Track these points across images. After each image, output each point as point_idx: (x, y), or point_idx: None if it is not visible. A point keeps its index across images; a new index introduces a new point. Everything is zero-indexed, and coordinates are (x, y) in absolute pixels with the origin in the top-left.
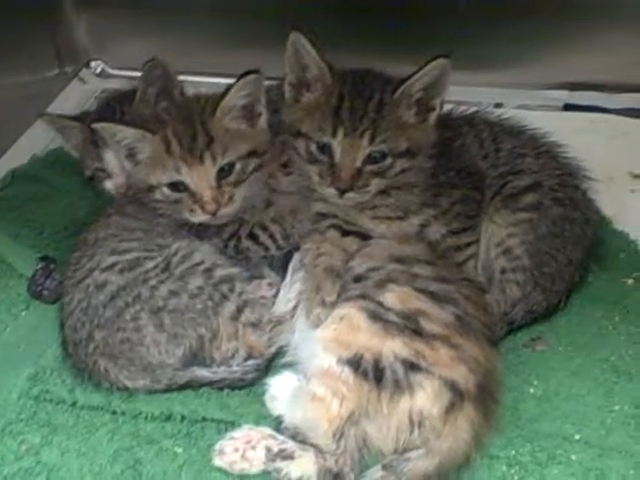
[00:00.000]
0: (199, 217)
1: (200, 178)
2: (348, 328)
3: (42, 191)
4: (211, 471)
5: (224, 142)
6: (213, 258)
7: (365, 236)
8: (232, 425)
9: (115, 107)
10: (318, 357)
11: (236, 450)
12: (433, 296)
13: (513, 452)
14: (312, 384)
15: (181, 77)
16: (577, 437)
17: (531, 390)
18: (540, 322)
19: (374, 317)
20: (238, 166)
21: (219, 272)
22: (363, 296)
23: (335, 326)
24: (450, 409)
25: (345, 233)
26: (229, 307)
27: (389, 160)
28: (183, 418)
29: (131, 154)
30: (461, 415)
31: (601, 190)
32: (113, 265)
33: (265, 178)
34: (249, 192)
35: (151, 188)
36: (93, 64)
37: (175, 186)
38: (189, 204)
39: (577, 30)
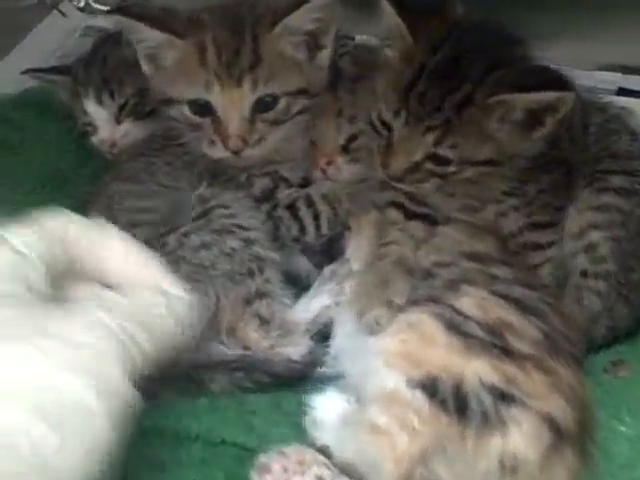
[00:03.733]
0: (218, 152)
1: (232, 103)
2: (419, 340)
3: (15, 137)
4: None
5: (273, 68)
6: (258, 233)
7: (434, 221)
8: (254, 453)
9: (99, 52)
10: (378, 375)
11: (285, 470)
12: (517, 304)
13: None
14: (371, 411)
15: None
16: None
17: (622, 428)
18: (622, 342)
19: (451, 328)
20: (282, 102)
21: (257, 248)
22: (434, 299)
23: (403, 336)
24: (548, 453)
25: (409, 215)
26: (249, 286)
27: (455, 167)
28: (197, 438)
29: (151, 58)
30: (559, 461)
31: None
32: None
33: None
34: (286, 137)
35: (169, 102)
36: None
37: (198, 106)
38: (210, 133)
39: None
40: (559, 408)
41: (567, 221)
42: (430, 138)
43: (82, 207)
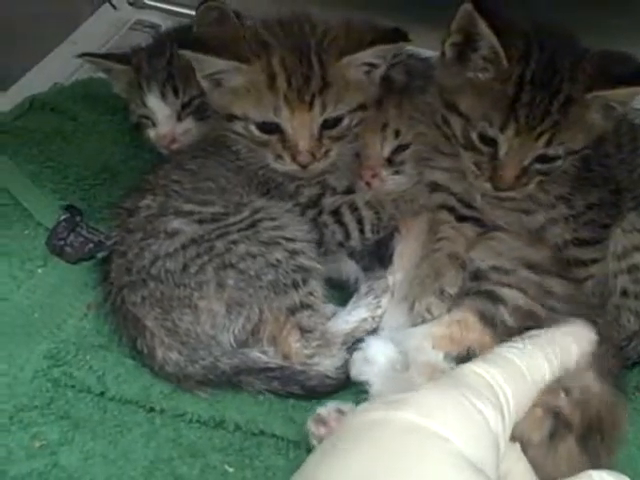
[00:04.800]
0: (285, 166)
1: (302, 125)
2: (461, 329)
3: (68, 127)
4: None
5: (339, 91)
6: (304, 244)
7: (483, 224)
8: (295, 446)
9: (166, 46)
10: (422, 352)
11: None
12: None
13: None
14: (412, 370)
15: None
16: None
17: None
18: None
19: (489, 321)
20: (346, 120)
21: (303, 259)
22: (481, 296)
23: (448, 325)
24: (552, 437)
25: (461, 218)
26: (293, 297)
27: (560, 162)
28: (237, 428)
29: (213, 78)
30: (563, 446)
31: None
32: (191, 213)
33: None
34: (344, 149)
35: (231, 117)
36: None
37: (267, 126)
38: (278, 149)
39: None
40: (566, 403)
41: (612, 241)
42: (541, 142)
43: (135, 192)
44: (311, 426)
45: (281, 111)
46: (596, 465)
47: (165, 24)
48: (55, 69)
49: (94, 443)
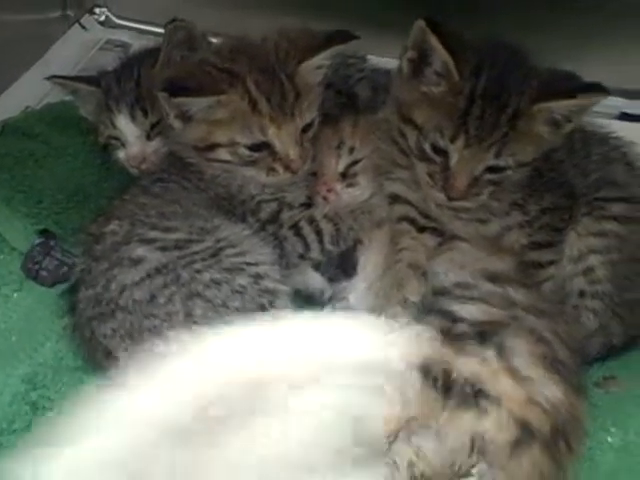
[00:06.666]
0: (279, 176)
1: (288, 137)
2: (422, 342)
3: (40, 151)
4: None
5: (308, 97)
6: (267, 267)
7: (441, 234)
8: None
9: (134, 68)
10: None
11: None
12: (531, 333)
13: None
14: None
15: None
16: None
17: (609, 439)
18: (614, 358)
19: (451, 335)
20: (316, 121)
21: (267, 282)
22: (444, 313)
23: (409, 339)
24: (517, 445)
25: (421, 229)
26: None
27: (510, 172)
28: None
29: (186, 115)
30: (527, 456)
31: None
32: (154, 241)
33: None
34: None
35: (213, 146)
36: (97, 11)
37: (256, 146)
38: (268, 163)
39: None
40: (534, 414)
41: (567, 245)
42: (491, 153)
43: (104, 218)
44: None
45: (268, 130)
46: (562, 469)
47: (135, 43)
48: (26, 93)
49: None
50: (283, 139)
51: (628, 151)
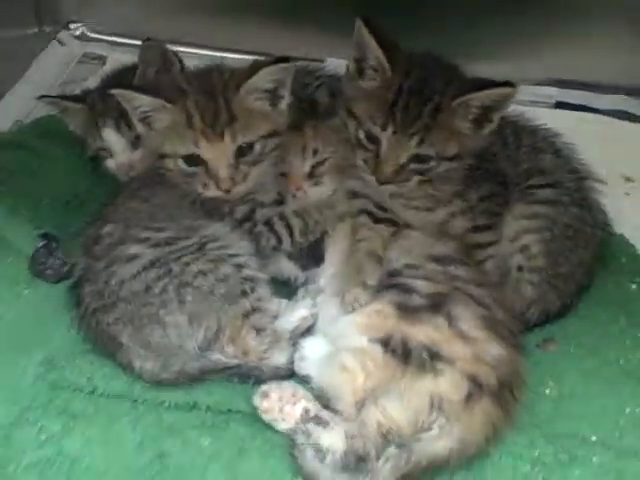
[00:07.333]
0: (212, 192)
1: (218, 155)
2: (380, 317)
3: (34, 162)
4: (240, 464)
5: (245, 121)
6: (247, 258)
7: (395, 223)
8: (257, 418)
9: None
10: (351, 337)
11: (280, 399)
12: (471, 299)
13: (536, 453)
14: (342, 355)
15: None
16: (594, 439)
17: (547, 391)
18: (552, 322)
19: (405, 307)
20: (258, 146)
21: (247, 271)
22: (397, 287)
23: (370, 315)
24: (469, 399)
25: (377, 220)
26: (245, 304)
27: (434, 162)
28: (208, 408)
29: (146, 120)
30: (478, 407)
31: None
32: (147, 239)
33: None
34: (263, 171)
35: (163, 156)
36: (72, 26)
37: (191, 159)
38: (203, 178)
39: (571, 26)
40: (482, 370)
41: (505, 226)
42: (414, 142)
43: (98, 221)
44: (256, 400)
45: (200, 143)
46: (509, 415)
47: (111, 55)
48: (13, 108)
49: (91, 431)
50: (213, 156)
51: (556, 140)
